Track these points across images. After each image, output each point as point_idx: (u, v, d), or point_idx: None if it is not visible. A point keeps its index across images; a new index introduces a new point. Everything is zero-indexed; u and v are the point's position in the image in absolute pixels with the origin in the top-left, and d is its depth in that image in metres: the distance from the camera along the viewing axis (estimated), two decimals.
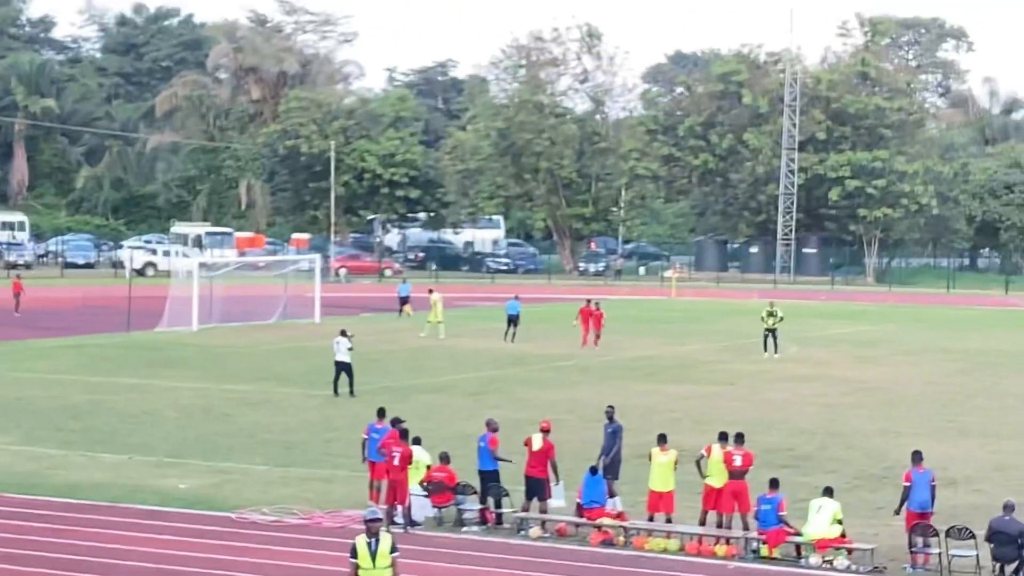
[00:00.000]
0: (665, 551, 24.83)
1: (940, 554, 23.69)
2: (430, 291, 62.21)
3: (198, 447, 33.12)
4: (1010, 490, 27.67)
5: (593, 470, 26.15)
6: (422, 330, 58.86)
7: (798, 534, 24.42)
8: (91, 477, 29.53)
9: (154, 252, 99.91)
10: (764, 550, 24.54)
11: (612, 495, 26.37)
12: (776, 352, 53.26)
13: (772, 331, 53.77)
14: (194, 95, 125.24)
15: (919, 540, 23.95)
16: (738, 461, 25.42)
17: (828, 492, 24.62)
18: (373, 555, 18.04)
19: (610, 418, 27.69)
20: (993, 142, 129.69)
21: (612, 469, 27.00)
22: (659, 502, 25.76)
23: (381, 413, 28.16)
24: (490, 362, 50.95)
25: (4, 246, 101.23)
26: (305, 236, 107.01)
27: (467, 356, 52.76)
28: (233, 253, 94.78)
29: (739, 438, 25.84)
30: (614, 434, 27.44)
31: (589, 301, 57.39)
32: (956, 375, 49.97)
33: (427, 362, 50.72)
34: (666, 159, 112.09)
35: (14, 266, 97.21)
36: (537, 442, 26.27)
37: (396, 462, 25.74)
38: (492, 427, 26.91)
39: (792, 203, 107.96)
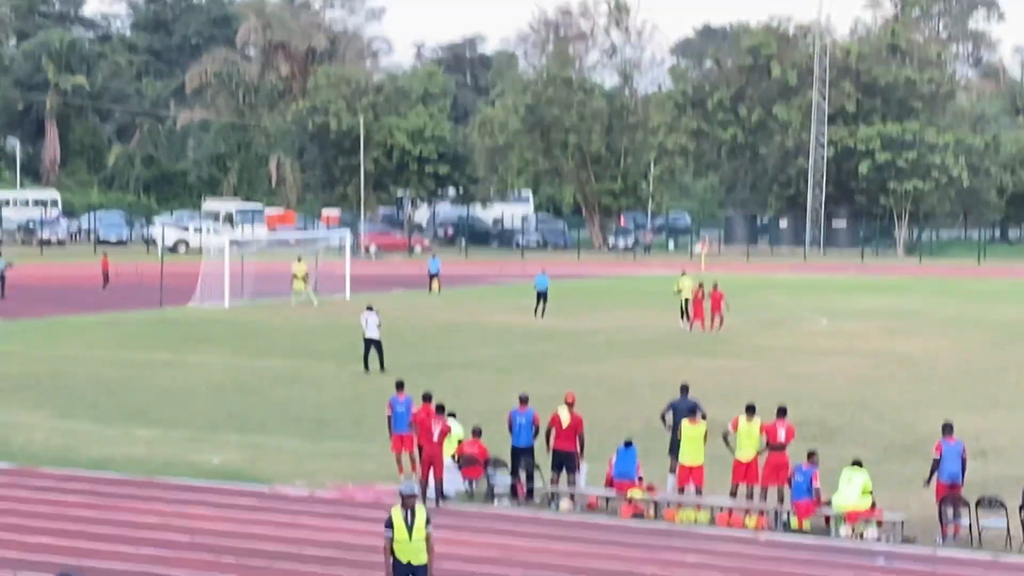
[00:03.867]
0: (695, 523, 24.99)
1: (971, 525, 23.78)
2: (299, 259, 62.79)
3: (231, 422, 33.38)
4: None
5: (627, 443, 26.24)
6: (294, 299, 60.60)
7: (827, 504, 24.50)
8: (125, 452, 29.81)
9: (186, 229, 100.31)
10: (794, 522, 24.66)
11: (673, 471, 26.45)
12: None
13: (685, 302, 54.34)
14: (224, 72, 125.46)
15: (949, 511, 24.01)
16: (782, 435, 25.50)
17: (858, 464, 24.69)
18: (409, 528, 18.29)
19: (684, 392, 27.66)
20: None
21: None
22: (689, 475, 25.86)
23: (399, 386, 28.25)
24: (520, 338, 51.06)
25: (37, 223, 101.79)
26: (335, 212, 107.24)
27: (497, 332, 52.88)
28: (264, 230, 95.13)
29: (781, 412, 25.90)
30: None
31: (701, 285, 54.08)
32: (988, 347, 49.88)
33: (457, 338, 50.88)
34: (695, 133, 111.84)
35: (47, 243, 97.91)
36: (565, 416, 26.32)
37: (436, 437, 25.89)
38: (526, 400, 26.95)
39: (822, 176, 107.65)
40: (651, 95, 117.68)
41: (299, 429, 32.63)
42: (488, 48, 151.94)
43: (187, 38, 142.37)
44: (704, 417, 26.39)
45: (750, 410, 26.00)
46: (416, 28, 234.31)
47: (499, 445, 27.09)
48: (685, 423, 26.12)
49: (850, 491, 24.27)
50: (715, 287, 53.68)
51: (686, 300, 54.36)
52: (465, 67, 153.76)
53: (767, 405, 27.02)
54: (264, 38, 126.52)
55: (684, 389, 27.91)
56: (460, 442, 26.83)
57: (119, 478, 27.38)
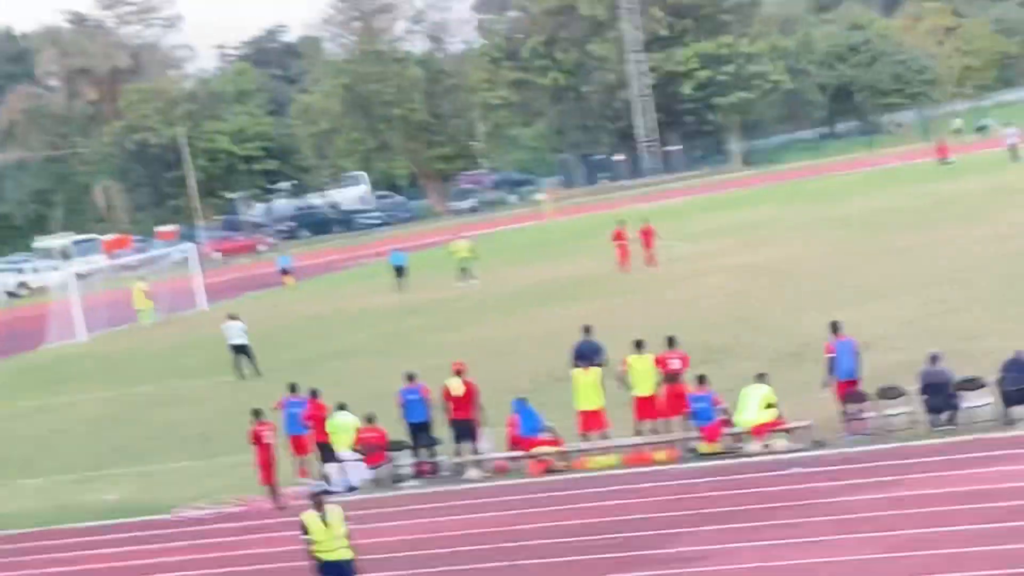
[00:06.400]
0: (607, 467, 24.81)
1: (874, 417, 23.93)
2: (141, 278, 61.86)
3: (117, 456, 32.48)
4: (924, 342, 27.99)
5: (521, 400, 25.94)
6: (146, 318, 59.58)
7: (730, 424, 24.48)
8: (15, 506, 28.82)
9: (21, 271, 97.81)
10: (703, 447, 24.60)
11: None
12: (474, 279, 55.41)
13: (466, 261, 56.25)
14: (30, 108, 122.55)
15: (852, 407, 24.16)
16: (676, 364, 25.42)
17: (760, 378, 24.67)
18: (326, 527, 17.85)
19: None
20: (827, 8, 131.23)
21: None
22: (590, 420, 25.68)
23: (292, 388, 27.87)
24: (387, 317, 50.51)
25: None
26: (171, 228, 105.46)
27: (363, 316, 52.28)
28: (102, 258, 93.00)
29: (671, 341, 25.86)
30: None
31: (623, 223, 52.75)
32: (844, 242, 50.51)
33: (325, 328, 50.18)
34: (515, 84, 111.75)
35: None
36: (456, 386, 25.96)
37: (266, 440, 25.28)
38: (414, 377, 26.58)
39: (648, 105, 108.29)
40: (464, 54, 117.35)
41: (187, 450, 31.84)
42: (292, 36, 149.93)
43: None
44: (603, 359, 26.23)
45: (639, 345, 25.90)
46: (216, 31, 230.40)
47: (394, 428, 26.64)
48: (577, 371, 25.92)
49: (750, 406, 24.29)
50: (645, 222, 52.67)
51: (463, 259, 55.84)
52: (272, 60, 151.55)
53: (651, 338, 26.87)
54: (64, 66, 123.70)
55: (586, 330, 27.77)
56: (357, 430, 26.34)
57: (14, 534, 26.43)
